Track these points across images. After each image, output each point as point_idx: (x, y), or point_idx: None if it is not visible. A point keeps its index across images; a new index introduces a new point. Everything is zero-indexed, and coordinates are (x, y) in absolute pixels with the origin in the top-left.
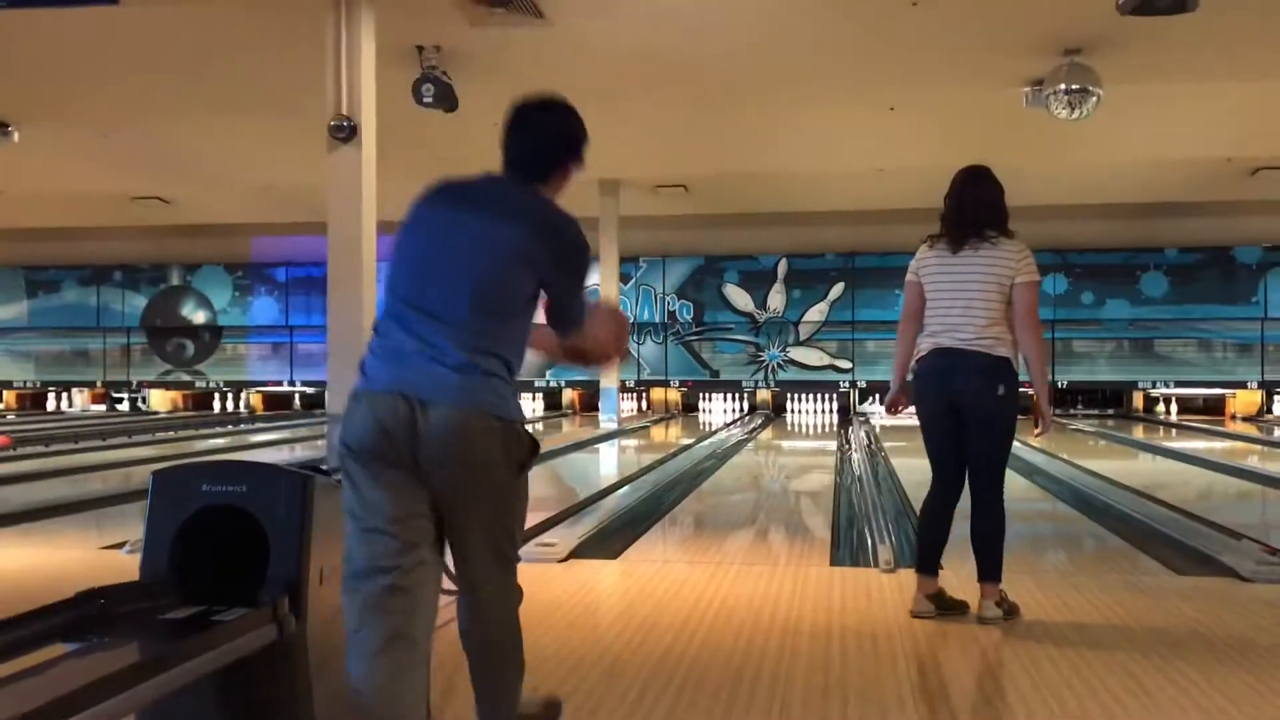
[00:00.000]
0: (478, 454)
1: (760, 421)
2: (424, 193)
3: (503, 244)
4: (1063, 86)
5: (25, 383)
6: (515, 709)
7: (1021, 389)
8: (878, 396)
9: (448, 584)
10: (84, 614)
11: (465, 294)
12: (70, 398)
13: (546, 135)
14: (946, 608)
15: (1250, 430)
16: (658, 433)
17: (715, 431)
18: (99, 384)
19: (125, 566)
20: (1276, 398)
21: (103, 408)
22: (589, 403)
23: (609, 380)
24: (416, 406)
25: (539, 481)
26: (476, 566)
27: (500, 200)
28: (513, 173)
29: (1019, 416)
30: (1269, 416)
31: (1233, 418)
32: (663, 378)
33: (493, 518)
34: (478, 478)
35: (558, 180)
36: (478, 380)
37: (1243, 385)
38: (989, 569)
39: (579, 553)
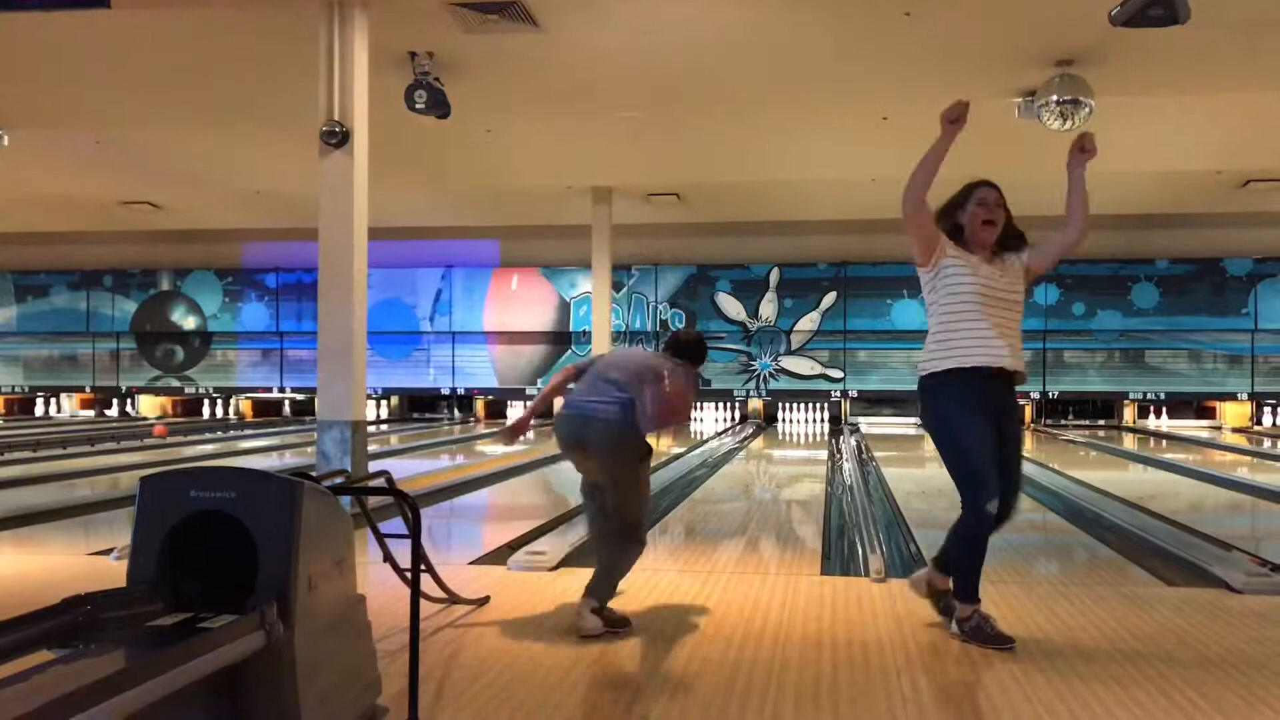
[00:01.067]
0: (614, 444)
1: (751, 430)
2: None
3: (645, 363)
4: (1055, 98)
5: (14, 388)
6: (615, 579)
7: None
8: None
9: (436, 592)
10: (70, 620)
11: (626, 376)
12: (59, 403)
13: (689, 351)
14: (942, 611)
15: (1241, 441)
16: (649, 441)
17: (707, 440)
18: (88, 389)
19: (113, 572)
20: (1266, 409)
21: (92, 413)
22: None
23: None
24: (586, 420)
25: (528, 490)
26: (612, 499)
27: (656, 353)
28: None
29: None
30: (1259, 428)
31: (1219, 429)
32: None
33: (623, 479)
34: (613, 457)
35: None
36: (620, 411)
37: (1233, 397)
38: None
39: (569, 561)
